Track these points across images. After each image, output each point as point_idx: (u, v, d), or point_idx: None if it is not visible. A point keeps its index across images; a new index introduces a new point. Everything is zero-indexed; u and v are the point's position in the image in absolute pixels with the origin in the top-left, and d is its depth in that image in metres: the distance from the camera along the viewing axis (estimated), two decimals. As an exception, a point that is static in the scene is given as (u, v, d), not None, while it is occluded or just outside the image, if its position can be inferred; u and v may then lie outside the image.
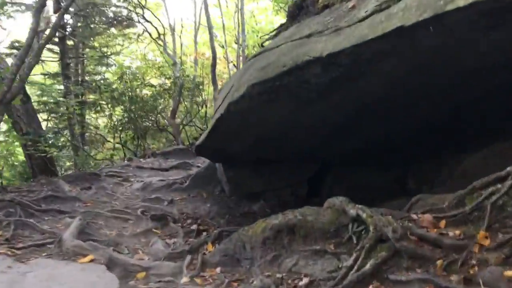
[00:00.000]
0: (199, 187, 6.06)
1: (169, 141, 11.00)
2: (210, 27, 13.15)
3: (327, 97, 4.34)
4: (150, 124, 11.02)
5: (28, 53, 9.07)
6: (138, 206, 5.79)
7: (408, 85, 4.32)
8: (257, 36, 23.02)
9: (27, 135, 11.74)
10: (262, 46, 7.52)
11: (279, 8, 16.29)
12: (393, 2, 3.77)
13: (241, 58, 19.75)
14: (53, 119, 17.32)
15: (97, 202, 5.90)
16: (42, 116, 18.29)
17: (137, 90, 12.12)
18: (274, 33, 6.91)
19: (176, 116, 10.69)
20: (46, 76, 18.21)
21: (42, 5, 8.57)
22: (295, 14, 6.15)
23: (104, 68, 18.13)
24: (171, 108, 10.91)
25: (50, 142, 12.15)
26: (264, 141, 4.83)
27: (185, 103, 11.46)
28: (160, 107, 11.24)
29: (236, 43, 22.25)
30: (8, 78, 7.15)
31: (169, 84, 11.40)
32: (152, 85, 12.06)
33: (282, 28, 6.27)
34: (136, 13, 14.74)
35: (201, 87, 12.22)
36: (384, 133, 5.14)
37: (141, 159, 8.36)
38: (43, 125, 16.15)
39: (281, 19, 22.65)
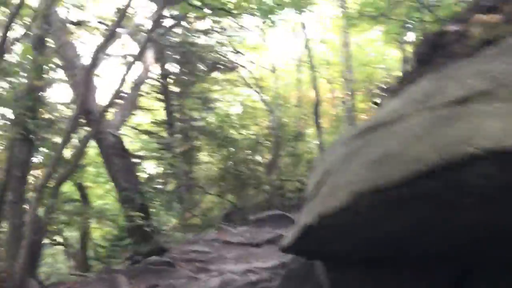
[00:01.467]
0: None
1: (263, 202, 9.80)
2: (312, 66, 11.96)
3: (492, 202, 2.54)
4: (246, 178, 9.93)
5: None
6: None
7: None
8: (365, 69, 21.49)
9: (126, 191, 11.38)
10: (374, 103, 5.90)
11: (390, 40, 14.64)
12: None
13: (348, 95, 18.33)
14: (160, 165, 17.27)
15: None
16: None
17: (236, 139, 11.23)
18: (394, 85, 4.91)
19: (273, 172, 9.49)
20: (154, 125, 18.31)
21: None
22: (427, 57, 3.93)
23: (206, 113, 17.79)
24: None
25: (146, 196, 11.69)
26: (377, 243, 3.29)
27: (284, 156, 10.21)
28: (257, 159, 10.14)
29: (343, 78, 20.88)
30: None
31: (265, 135, 10.30)
32: (250, 134, 11.11)
33: (405, 79, 3.95)
34: (230, 60, 14.07)
35: (303, 137, 10.89)
36: None
37: (232, 229, 7.24)
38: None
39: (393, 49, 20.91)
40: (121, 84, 5.77)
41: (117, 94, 5.91)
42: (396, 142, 2.70)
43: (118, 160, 11.46)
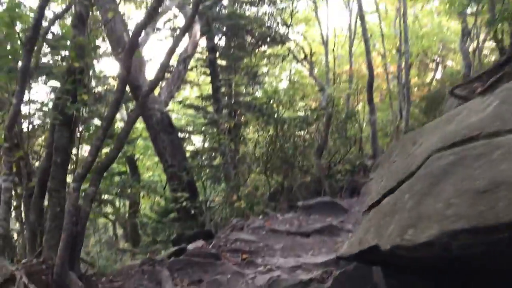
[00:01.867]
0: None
1: (311, 184, 9.36)
2: (366, 40, 11.25)
3: None
4: (293, 158, 9.50)
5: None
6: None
7: None
8: (421, 42, 20.31)
9: (172, 168, 11.32)
10: (452, 93, 5.11)
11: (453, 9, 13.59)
12: None
13: (403, 70, 17.37)
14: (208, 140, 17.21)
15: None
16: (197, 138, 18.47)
17: (284, 117, 10.82)
18: (481, 78, 4.16)
19: (323, 156, 9.03)
20: (200, 99, 18.14)
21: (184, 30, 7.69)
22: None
23: (253, 89, 17.41)
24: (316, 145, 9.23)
25: (192, 173, 11.59)
26: (447, 261, 2.80)
27: (334, 138, 9.67)
28: (305, 139, 9.65)
29: (397, 51, 19.84)
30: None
31: (314, 113, 9.76)
32: (299, 111, 10.64)
33: (503, 68, 3.03)
34: (279, 33, 13.46)
35: (354, 116, 10.28)
36: None
37: (279, 215, 6.93)
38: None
39: (455, 22, 19.52)
40: (168, 58, 5.47)
41: (164, 69, 5.65)
42: (510, 164, 2.04)
43: (165, 136, 11.39)
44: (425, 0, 19.66)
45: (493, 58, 18.40)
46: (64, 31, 5.01)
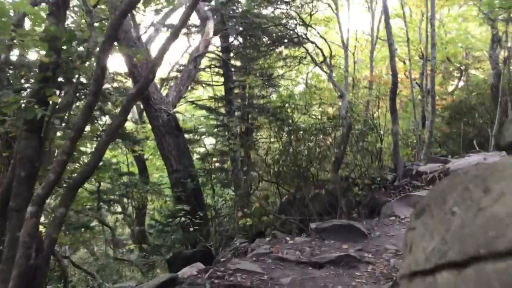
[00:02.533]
0: None
1: (325, 197, 8.51)
2: (390, 44, 10.38)
3: None
4: (307, 170, 8.65)
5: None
6: None
7: None
8: (445, 48, 19.33)
9: (177, 173, 10.63)
10: None
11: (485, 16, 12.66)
12: None
13: (427, 77, 16.44)
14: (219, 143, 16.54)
15: None
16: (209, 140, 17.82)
17: (298, 123, 10.02)
18: None
19: (341, 169, 8.19)
20: (212, 100, 17.44)
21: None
22: None
23: (269, 90, 16.64)
24: (333, 158, 8.37)
25: (199, 180, 10.90)
26: None
27: (355, 151, 8.81)
28: (319, 153, 8.78)
29: (421, 57, 18.89)
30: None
31: (330, 123, 8.91)
32: (316, 118, 9.80)
33: None
34: (297, 34, 12.64)
35: (376, 128, 9.37)
36: None
37: (288, 238, 6.12)
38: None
39: (486, 30, 18.45)
40: (160, 56, 4.73)
41: (154, 69, 4.90)
42: None
43: (171, 139, 10.70)
44: (452, 4, 18.68)
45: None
46: (33, 20, 4.28)
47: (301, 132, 9.64)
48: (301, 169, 8.59)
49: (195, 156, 14.87)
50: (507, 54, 15.59)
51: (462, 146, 16.39)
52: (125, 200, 15.58)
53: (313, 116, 10.64)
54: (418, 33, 18.13)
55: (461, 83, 21.98)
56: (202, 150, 16.46)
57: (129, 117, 15.45)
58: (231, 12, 14.16)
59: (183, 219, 8.39)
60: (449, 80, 22.87)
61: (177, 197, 10.40)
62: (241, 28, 14.80)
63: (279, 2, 14.41)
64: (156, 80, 14.76)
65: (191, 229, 8.20)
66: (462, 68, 21.61)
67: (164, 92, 14.18)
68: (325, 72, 12.19)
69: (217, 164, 16.01)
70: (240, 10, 14.21)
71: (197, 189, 10.70)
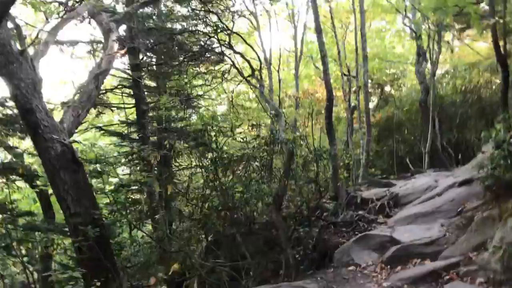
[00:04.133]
0: None
1: (263, 239, 6.91)
2: (324, 56, 9.20)
3: None
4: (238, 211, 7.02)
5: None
6: None
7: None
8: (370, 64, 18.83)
9: (76, 217, 8.55)
10: None
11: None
12: None
13: (353, 93, 15.68)
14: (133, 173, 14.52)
15: None
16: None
17: (224, 147, 8.45)
18: None
19: (283, 207, 6.65)
20: (124, 125, 15.38)
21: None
22: None
23: (189, 112, 14.94)
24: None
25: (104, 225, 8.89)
26: None
27: (299, 184, 7.25)
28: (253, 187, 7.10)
29: (345, 75, 18.19)
30: None
31: (262, 148, 7.30)
32: (245, 143, 8.17)
33: None
34: (220, 43, 11.14)
35: (324, 155, 7.82)
36: None
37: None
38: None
39: (410, 43, 17.94)
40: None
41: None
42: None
43: (67, 176, 8.58)
44: (374, 17, 18.30)
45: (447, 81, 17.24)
46: None
47: (227, 161, 8.05)
48: (231, 208, 6.97)
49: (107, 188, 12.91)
50: (433, 68, 15.23)
51: (395, 165, 15.73)
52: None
53: (241, 140, 9.08)
54: (343, 47, 17.39)
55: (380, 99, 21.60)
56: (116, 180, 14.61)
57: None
58: (141, 25, 12.42)
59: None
60: (373, 96, 22.53)
61: (77, 249, 8.34)
62: (154, 44, 13.11)
63: (196, 17, 12.92)
64: (54, 103, 12.60)
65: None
66: (385, 84, 21.34)
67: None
68: (252, 88, 10.76)
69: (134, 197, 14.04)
70: (151, 22, 12.52)
71: (104, 237, 8.69)
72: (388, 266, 5.60)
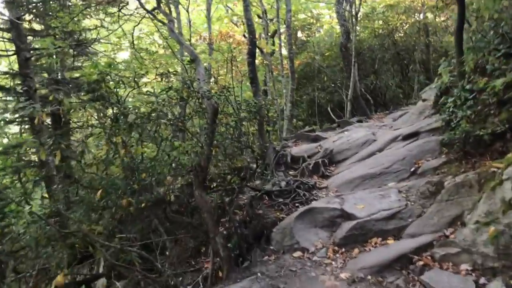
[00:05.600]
0: None
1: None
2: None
3: None
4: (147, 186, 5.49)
5: None
6: None
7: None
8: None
9: None
10: None
11: None
12: None
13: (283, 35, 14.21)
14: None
15: None
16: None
17: (128, 105, 6.77)
18: None
19: (209, 171, 5.20)
20: (7, 76, 12.84)
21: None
22: None
23: (82, 59, 12.74)
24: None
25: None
26: None
27: (225, 146, 5.74)
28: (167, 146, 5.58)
29: (260, 17, 16.75)
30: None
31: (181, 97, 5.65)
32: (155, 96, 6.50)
33: None
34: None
35: (254, 109, 6.31)
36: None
37: None
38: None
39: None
40: None
41: None
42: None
43: None
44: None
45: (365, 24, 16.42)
46: None
47: (132, 119, 6.43)
48: (140, 183, 5.46)
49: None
50: (356, 10, 14.25)
51: (316, 114, 14.86)
52: None
53: (148, 92, 7.41)
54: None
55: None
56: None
57: None
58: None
59: None
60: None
61: None
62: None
63: None
64: None
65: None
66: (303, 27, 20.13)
67: None
68: (161, 24, 8.93)
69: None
70: None
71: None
72: (343, 249, 4.52)
